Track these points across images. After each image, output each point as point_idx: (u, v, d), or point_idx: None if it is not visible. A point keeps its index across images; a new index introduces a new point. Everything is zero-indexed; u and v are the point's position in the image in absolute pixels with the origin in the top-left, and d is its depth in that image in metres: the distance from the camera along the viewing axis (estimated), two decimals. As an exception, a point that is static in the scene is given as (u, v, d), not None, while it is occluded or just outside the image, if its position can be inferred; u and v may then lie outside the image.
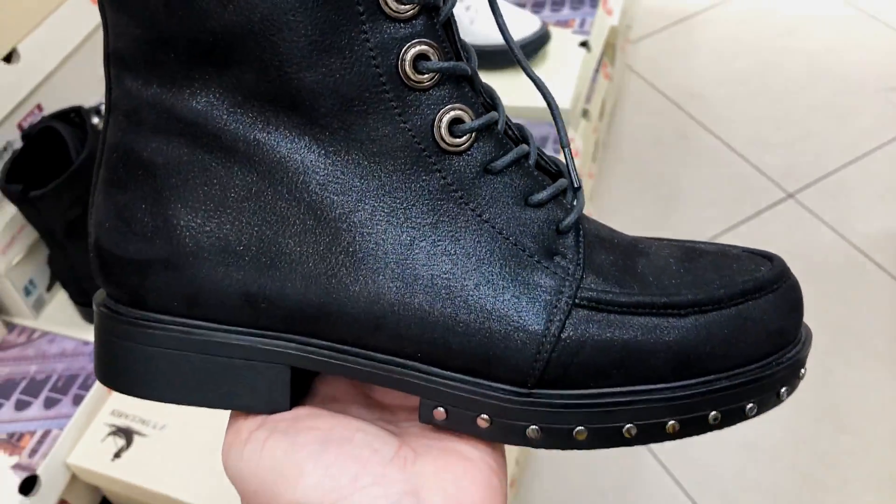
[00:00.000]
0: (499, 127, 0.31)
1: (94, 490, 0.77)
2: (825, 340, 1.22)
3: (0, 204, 0.74)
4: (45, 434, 0.70)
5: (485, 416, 0.30)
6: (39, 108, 0.76)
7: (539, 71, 1.02)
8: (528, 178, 0.31)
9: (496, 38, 1.01)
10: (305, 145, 0.29)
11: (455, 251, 0.30)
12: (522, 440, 0.30)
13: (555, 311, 0.30)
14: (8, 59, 0.72)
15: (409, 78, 0.29)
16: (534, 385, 0.30)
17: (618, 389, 0.30)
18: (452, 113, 0.30)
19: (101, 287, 0.33)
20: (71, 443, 0.70)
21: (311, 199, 0.29)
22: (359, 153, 0.29)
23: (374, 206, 0.30)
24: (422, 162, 0.30)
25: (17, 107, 0.73)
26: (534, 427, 0.30)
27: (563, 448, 0.31)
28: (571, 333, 0.30)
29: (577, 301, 0.30)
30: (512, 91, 1.01)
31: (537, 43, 1.00)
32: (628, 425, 0.30)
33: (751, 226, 1.40)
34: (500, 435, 0.31)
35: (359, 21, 0.28)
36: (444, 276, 0.30)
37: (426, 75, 0.29)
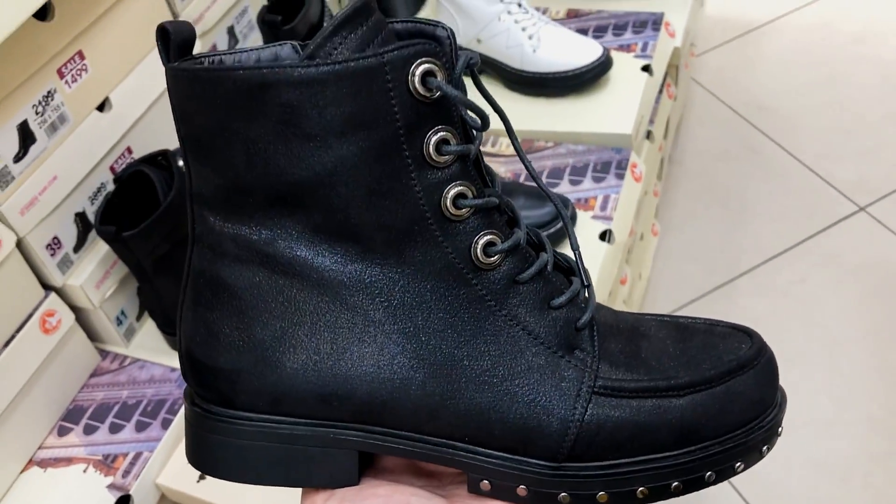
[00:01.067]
0: (522, 243, 0.37)
1: (182, 508, 0.82)
2: (898, 358, 1.20)
3: (95, 242, 0.80)
4: (137, 456, 0.75)
5: (523, 487, 0.36)
6: (129, 151, 0.81)
7: (601, 97, 1.04)
8: (548, 284, 0.37)
9: (558, 65, 1.03)
10: (365, 268, 0.35)
11: (493, 351, 0.36)
12: None
13: (578, 398, 0.36)
14: (101, 108, 0.78)
15: (451, 213, 0.35)
16: (563, 459, 0.36)
17: (631, 460, 0.36)
18: (486, 238, 0.35)
19: (191, 388, 0.38)
20: (160, 465, 0.75)
21: (372, 315, 0.35)
22: (410, 275, 0.35)
23: (425, 316, 0.35)
24: (462, 278, 0.35)
25: (109, 152, 0.79)
26: (564, 494, 0.36)
27: None
28: (592, 416, 0.36)
29: (595, 389, 0.36)
30: (574, 117, 1.03)
31: (599, 69, 1.02)
32: (641, 488, 0.36)
33: (820, 240, 1.38)
34: (537, 501, 0.36)
35: (408, 171, 0.33)
36: (486, 372, 0.36)
37: (464, 210, 0.35)
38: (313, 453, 0.36)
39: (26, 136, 0.71)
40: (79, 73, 0.74)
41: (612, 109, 1.02)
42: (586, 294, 0.38)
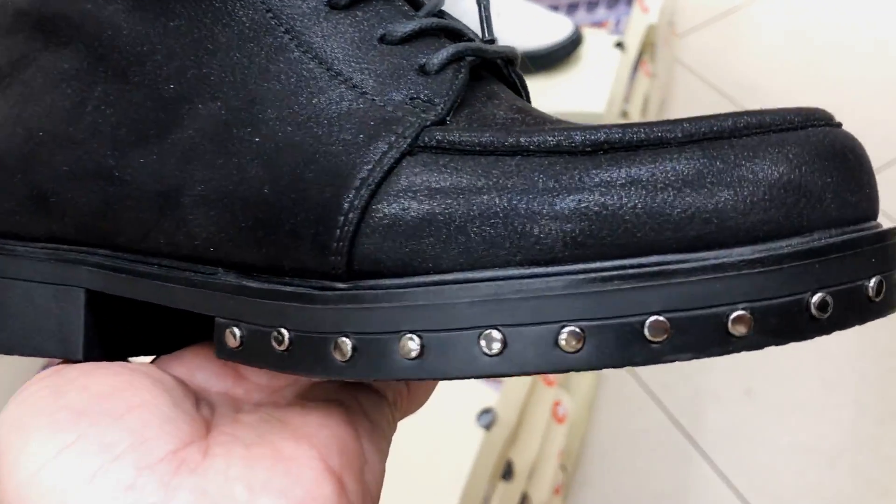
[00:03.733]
0: None
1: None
2: (886, 339, 1.17)
3: None
4: None
5: (284, 329, 0.23)
6: None
7: (572, 75, 1.01)
8: (384, 13, 0.27)
9: (527, 44, 1.00)
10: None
11: (274, 96, 0.25)
12: (328, 367, 0.22)
13: (377, 151, 0.23)
14: None
15: None
16: (342, 274, 0.23)
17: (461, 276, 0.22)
18: None
19: None
20: None
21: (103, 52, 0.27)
22: None
23: (170, 46, 0.26)
24: None
25: None
26: (343, 338, 0.22)
27: (386, 376, 0.22)
28: (393, 193, 0.23)
29: (417, 144, 0.24)
30: (545, 96, 1.00)
31: (569, 47, 0.99)
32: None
33: (807, 220, 1.36)
34: (302, 362, 0.23)
35: None
36: (266, 121, 0.25)
37: None
38: (26, 290, 0.26)
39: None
40: None
41: (584, 88, 0.99)
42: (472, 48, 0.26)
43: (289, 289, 0.23)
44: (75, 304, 0.27)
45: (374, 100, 0.25)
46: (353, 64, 0.25)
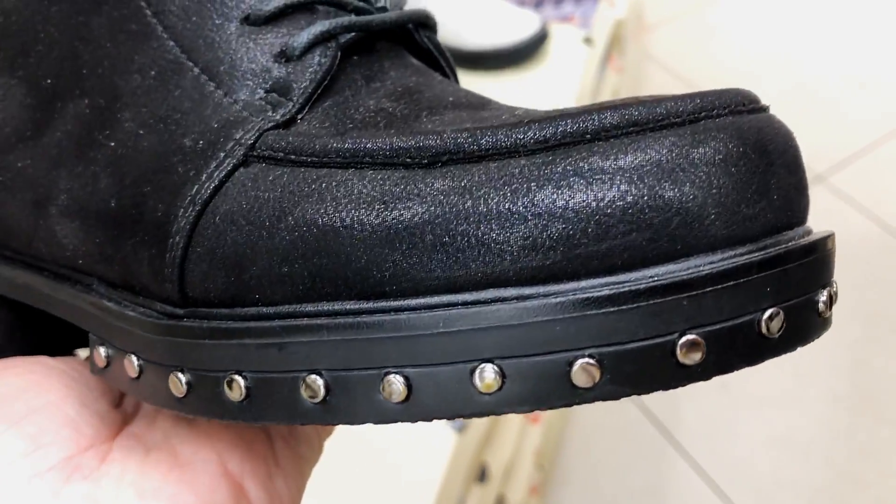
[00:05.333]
0: None
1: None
2: (859, 329, 1.17)
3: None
4: None
5: (132, 358, 0.21)
6: None
7: (540, 71, 1.00)
8: None
9: (493, 41, 0.99)
10: None
11: (115, 66, 0.23)
12: (167, 400, 0.21)
13: (211, 162, 0.21)
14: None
15: None
16: (179, 301, 0.21)
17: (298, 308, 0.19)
18: None
19: None
20: None
21: None
22: None
23: (51, 34, 0.24)
24: None
25: None
26: (177, 374, 0.20)
27: (214, 416, 0.20)
28: (227, 199, 0.20)
29: (256, 145, 0.21)
30: (513, 92, 0.99)
31: (536, 43, 0.98)
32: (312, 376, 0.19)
33: (779, 212, 1.36)
34: (148, 392, 0.21)
35: None
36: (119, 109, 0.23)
37: None
38: None
39: None
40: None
41: (552, 84, 0.98)
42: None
43: (133, 313, 0.22)
44: None
45: (224, 95, 0.22)
46: (210, 51, 0.22)
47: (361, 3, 0.23)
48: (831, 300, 0.20)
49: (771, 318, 0.18)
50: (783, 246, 0.19)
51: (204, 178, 0.20)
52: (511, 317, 0.17)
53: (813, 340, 0.20)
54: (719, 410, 1.14)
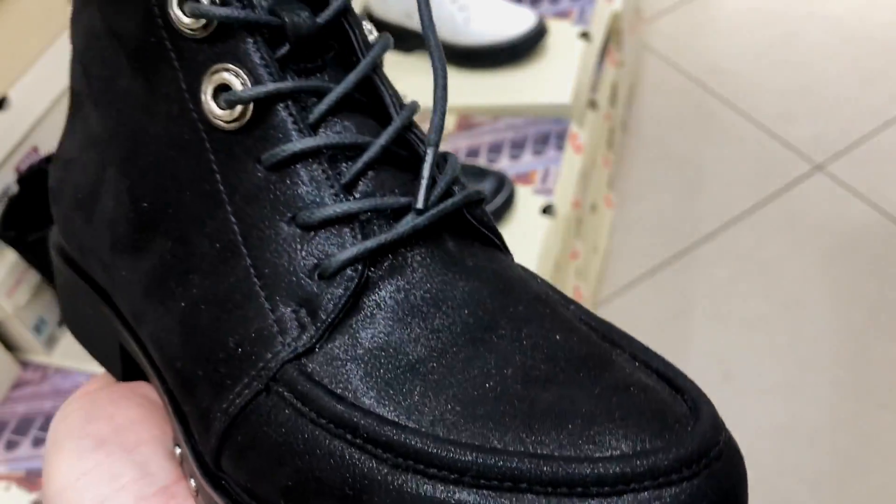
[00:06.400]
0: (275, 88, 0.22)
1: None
2: (861, 317, 1.18)
3: (4, 247, 0.76)
4: (62, 469, 0.71)
5: (192, 480, 0.25)
6: (35, 150, 0.77)
7: (538, 66, 1.00)
8: (326, 177, 0.23)
9: (492, 36, 0.99)
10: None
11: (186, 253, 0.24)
12: None
13: (240, 380, 0.22)
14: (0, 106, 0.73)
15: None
16: (213, 461, 0.24)
17: None
18: (219, 75, 0.23)
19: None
20: (86, 477, 0.72)
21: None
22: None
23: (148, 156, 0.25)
24: (195, 134, 0.24)
25: (13, 152, 0.75)
26: None
27: None
28: (254, 413, 0.22)
29: (283, 375, 0.21)
30: (511, 88, 1.00)
31: (533, 39, 0.99)
32: None
33: (780, 202, 1.36)
34: None
35: None
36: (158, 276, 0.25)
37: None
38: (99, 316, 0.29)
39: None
40: (-29, 70, 0.70)
41: (550, 79, 0.99)
42: (388, 229, 0.22)
43: (197, 451, 0.24)
44: (115, 337, 0.29)
45: (265, 300, 0.22)
46: (260, 246, 0.22)
47: (404, 200, 0.23)
48: None
49: None
50: None
51: (236, 392, 0.22)
52: None
53: None
54: (723, 400, 1.13)
